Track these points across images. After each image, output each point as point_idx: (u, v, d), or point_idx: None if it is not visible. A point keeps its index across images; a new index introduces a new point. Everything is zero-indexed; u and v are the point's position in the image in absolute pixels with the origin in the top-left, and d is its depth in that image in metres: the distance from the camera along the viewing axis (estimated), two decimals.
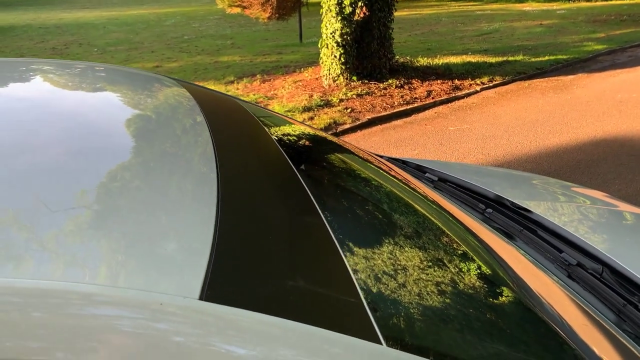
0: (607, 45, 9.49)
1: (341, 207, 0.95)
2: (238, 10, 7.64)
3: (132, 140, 0.90)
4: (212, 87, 7.16)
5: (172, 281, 0.56)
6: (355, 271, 0.69)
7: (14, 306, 0.50)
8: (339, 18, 6.53)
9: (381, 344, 0.57)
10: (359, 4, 6.52)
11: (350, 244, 0.77)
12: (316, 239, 0.76)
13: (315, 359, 0.54)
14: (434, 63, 8.22)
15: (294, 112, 6.00)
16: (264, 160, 1.04)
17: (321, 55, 7.00)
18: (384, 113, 6.14)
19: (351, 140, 5.51)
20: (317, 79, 7.23)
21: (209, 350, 0.52)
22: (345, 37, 6.62)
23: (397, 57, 7.96)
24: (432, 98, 6.67)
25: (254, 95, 6.75)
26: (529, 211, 1.54)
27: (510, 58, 8.61)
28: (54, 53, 10.61)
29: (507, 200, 1.63)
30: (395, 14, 7.28)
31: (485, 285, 1.04)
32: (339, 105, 6.24)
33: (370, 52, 6.94)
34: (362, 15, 6.57)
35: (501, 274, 1.17)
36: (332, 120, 5.77)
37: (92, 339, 0.49)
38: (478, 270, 1.09)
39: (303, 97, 6.53)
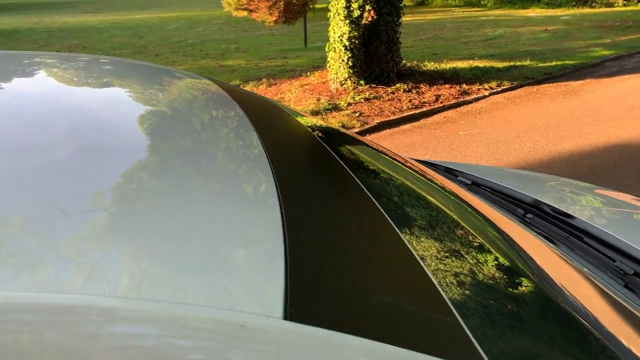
0: (614, 51, 9.43)
1: (407, 214, 0.87)
2: (244, 13, 7.59)
3: (181, 139, 0.82)
4: None
5: (248, 297, 0.47)
6: (441, 285, 0.61)
7: (26, 326, 0.40)
8: (347, 22, 6.47)
9: None
10: (367, 7, 6.46)
11: (429, 254, 0.69)
12: (391, 247, 0.68)
13: None
14: (441, 68, 8.17)
15: None
16: (315, 160, 0.97)
17: (328, 59, 6.94)
18: (392, 117, 6.07)
19: None
20: (324, 82, 7.17)
21: None
22: (353, 40, 6.56)
23: (405, 61, 7.91)
24: (441, 102, 6.60)
25: None
26: (570, 216, 1.47)
27: (518, 63, 8.55)
28: None
29: (546, 204, 1.56)
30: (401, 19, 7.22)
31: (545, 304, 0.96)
32: (347, 109, 6.17)
33: (378, 56, 6.88)
34: (370, 18, 6.52)
35: (548, 285, 1.09)
36: (340, 124, 5.70)
37: None
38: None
39: (310, 100, 6.46)
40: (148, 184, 0.66)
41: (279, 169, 0.74)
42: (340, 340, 0.46)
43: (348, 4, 6.41)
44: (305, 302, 0.49)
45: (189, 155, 0.75)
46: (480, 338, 0.53)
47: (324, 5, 6.97)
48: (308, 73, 7.92)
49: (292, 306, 0.46)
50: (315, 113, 6.01)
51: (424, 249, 0.69)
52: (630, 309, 1.12)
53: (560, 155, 4.78)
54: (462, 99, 6.76)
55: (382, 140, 5.59)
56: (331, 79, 6.95)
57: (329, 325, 0.47)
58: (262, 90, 7.17)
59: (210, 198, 0.64)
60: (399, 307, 0.55)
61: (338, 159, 0.96)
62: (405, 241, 0.69)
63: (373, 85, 6.88)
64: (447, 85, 7.20)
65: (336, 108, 6.21)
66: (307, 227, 0.64)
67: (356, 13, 6.44)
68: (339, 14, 6.51)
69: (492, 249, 0.87)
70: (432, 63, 8.44)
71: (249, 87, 7.27)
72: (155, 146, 0.75)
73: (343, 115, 5.95)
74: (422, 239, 0.73)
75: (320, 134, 1.16)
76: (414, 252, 0.66)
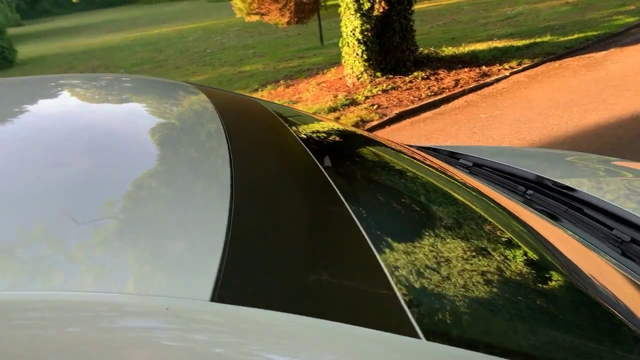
0: (638, 18, 9.12)
1: (368, 198, 0.88)
2: (256, 18, 7.64)
3: (145, 147, 0.85)
4: None
5: (180, 284, 0.51)
6: (387, 264, 0.62)
7: (45, 321, 0.47)
8: (358, 15, 6.45)
9: (419, 338, 0.51)
10: None
11: (381, 236, 0.70)
12: (342, 232, 0.69)
13: (343, 356, 0.47)
14: (460, 52, 8.05)
15: (319, 113, 5.94)
16: (283, 157, 0.98)
17: (343, 54, 6.93)
18: (411, 106, 6.03)
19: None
20: (340, 78, 7.16)
21: (222, 354, 0.46)
22: (365, 33, 6.53)
23: (421, 49, 7.83)
24: (461, 87, 6.51)
25: (279, 100, 6.73)
26: (572, 189, 1.44)
27: (538, 39, 8.36)
28: None
29: (548, 180, 1.53)
30: (416, 6, 7.15)
31: (532, 271, 0.95)
32: (364, 103, 6.15)
33: (392, 46, 6.83)
34: (381, 10, 6.47)
35: (549, 257, 1.08)
36: (358, 118, 5.69)
37: (96, 347, 0.45)
38: (524, 256, 1.00)
39: (328, 98, 6.46)
40: (116, 189, 0.69)
41: (238, 166, 0.76)
42: (265, 316, 0.48)
43: None
44: (236, 285, 0.51)
45: (153, 159, 0.77)
46: (417, 310, 0.53)
47: (336, 2, 6.96)
48: (325, 71, 7.92)
49: (221, 289, 0.49)
50: (332, 110, 6.02)
51: (383, 233, 0.69)
52: (628, 276, 1.09)
53: (585, 129, 4.66)
54: (482, 81, 6.65)
55: (402, 130, 5.56)
56: (347, 74, 6.94)
57: (261, 305, 0.49)
58: (280, 92, 7.22)
59: (165, 197, 0.67)
60: (335, 286, 0.56)
61: (308, 150, 0.97)
62: (361, 228, 0.70)
63: (390, 76, 6.83)
64: (466, 69, 7.10)
65: (354, 103, 6.19)
66: (254, 219, 0.65)
67: (366, 5, 6.41)
68: (349, 9, 6.50)
69: (461, 226, 0.87)
70: (450, 48, 8.33)
71: (266, 91, 7.33)
72: (122, 150, 0.78)
73: (361, 109, 5.94)
74: (382, 224, 0.74)
75: (299, 129, 1.17)
76: (368, 239, 0.67)
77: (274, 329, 0.48)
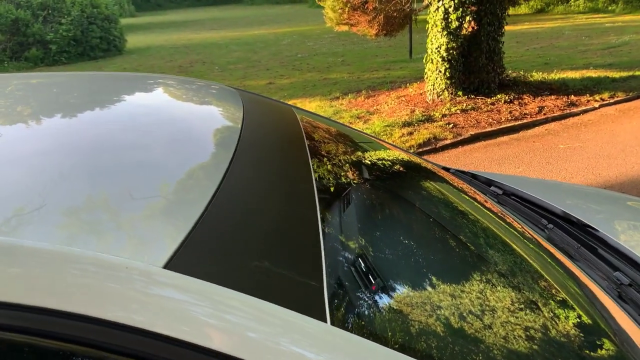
0: None
1: (345, 207, 0.97)
2: (345, 28, 7.81)
3: (165, 138, 0.99)
4: (318, 103, 7.38)
5: (150, 251, 0.64)
6: (328, 264, 0.71)
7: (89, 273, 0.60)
8: (445, 33, 6.44)
9: (326, 322, 0.60)
10: (467, 18, 6.38)
11: (333, 238, 0.79)
12: (300, 233, 0.79)
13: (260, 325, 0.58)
14: (549, 78, 7.81)
15: (393, 127, 5.99)
16: (282, 167, 1.09)
17: (426, 70, 6.94)
18: (489, 129, 5.94)
19: (451, 157, 5.40)
20: (421, 94, 7.17)
21: (163, 310, 0.57)
22: (451, 51, 6.51)
23: (509, 71, 7.67)
24: (544, 114, 6.34)
25: (357, 110, 6.84)
26: (592, 228, 1.44)
27: (638, 72, 7.93)
28: (180, 71, 11.51)
29: (574, 217, 1.54)
30: (515, 27, 7.04)
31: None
32: (440, 121, 6.13)
33: (477, 66, 6.75)
34: (470, 29, 6.42)
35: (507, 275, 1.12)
36: (431, 136, 5.69)
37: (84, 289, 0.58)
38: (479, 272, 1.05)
39: (404, 112, 6.50)
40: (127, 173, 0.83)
41: (237, 163, 0.88)
42: (206, 289, 0.59)
43: (446, 16, 6.39)
44: (189, 259, 0.62)
45: (162, 150, 0.91)
46: (334, 301, 0.62)
47: (426, 17, 6.99)
48: (408, 84, 7.95)
49: (175, 259, 0.61)
50: (407, 124, 6.04)
51: (335, 236, 0.78)
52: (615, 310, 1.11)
53: None
54: (568, 111, 6.43)
55: (475, 152, 5.50)
56: (428, 90, 6.94)
57: (203, 277, 0.61)
58: (360, 102, 7.33)
59: (169, 181, 0.80)
60: (276, 274, 0.67)
61: (309, 158, 1.08)
62: (320, 230, 0.79)
63: (472, 96, 6.76)
64: (553, 97, 6.89)
65: (429, 119, 6.19)
66: (229, 210, 0.77)
67: (454, 24, 6.39)
68: (436, 26, 6.51)
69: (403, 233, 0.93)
70: (541, 73, 8.10)
71: (347, 100, 7.47)
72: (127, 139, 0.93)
73: (435, 127, 5.93)
74: (339, 226, 0.82)
75: (317, 137, 1.27)
76: (322, 241, 0.76)
77: (207, 296, 0.59)
